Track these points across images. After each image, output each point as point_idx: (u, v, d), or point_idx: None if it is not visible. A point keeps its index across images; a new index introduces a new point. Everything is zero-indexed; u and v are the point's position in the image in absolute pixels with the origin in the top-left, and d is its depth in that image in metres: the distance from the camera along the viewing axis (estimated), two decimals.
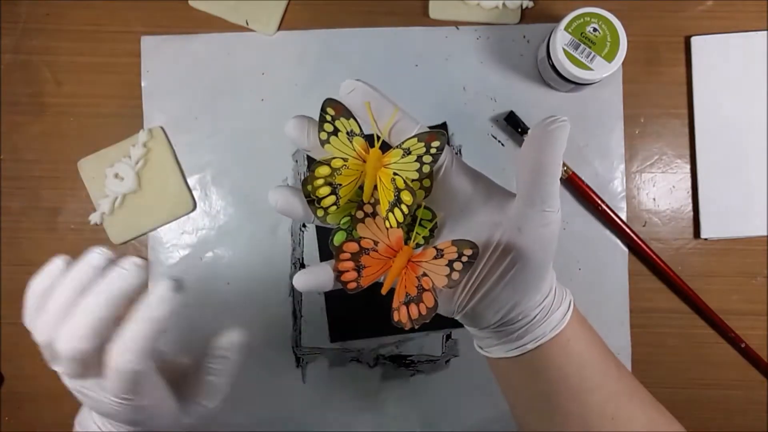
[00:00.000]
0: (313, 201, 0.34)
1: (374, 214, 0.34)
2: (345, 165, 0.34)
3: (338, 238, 0.35)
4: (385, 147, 0.34)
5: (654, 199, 0.54)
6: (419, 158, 0.32)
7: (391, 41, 0.54)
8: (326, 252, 0.54)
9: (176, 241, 0.55)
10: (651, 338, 0.54)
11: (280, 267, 0.54)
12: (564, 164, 0.52)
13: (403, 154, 0.33)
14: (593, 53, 0.47)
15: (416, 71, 0.54)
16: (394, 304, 0.34)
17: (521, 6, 0.54)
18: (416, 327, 0.33)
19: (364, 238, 0.34)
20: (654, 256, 0.53)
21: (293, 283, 0.35)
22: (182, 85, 0.55)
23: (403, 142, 0.33)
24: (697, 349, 0.54)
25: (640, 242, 0.53)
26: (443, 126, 0.54)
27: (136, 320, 0.31)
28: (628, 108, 0.54)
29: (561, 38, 0.48)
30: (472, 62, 0.54)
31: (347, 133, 0.34)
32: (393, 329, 0.54)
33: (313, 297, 0.54)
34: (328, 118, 0.33)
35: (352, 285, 0.34)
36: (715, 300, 0.53)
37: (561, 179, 0.53)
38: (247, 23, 0.54)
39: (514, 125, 0.53)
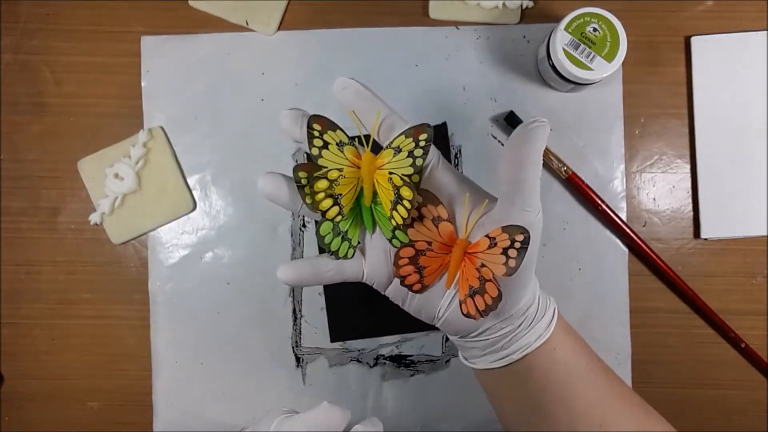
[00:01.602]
0: (302, 186, 0.34)
1: (421, 217, 0.35)
2: (341, 175, 0.34)
3: (324, 229, 0.36)
4: (377, 149, 0.35)
5: (654, 199, 0.54)
6: (410, 153, 0.33)
7: (391, 41, 0.54)
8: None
9: (176, 241, 0.55)
10: (651, 338, 0.54)
11: None
12: (564, 164, 0.52)
13: (394, 153, 0.34)
14: (593, 53, 0.47)
15: (416, 71, 0.54)
16: (460, 297, 0.35)
17: (521, 6, 0.54)
18: (485, 317, 0.34)
19: (418, 240, 0.35)
20: (654, 256, 0.53)
21: (277, 275, 0.36)
22: (182, 85, 0.55)
23: (391, 141, 0.34)
24: (697, 349, 0.54)
25: (640, 242, 0.53)
26: (443, 126, 0.54)
27: None
28: (628, 108, 0.54)
29: (561, 38, 0.48)
30: (472, 62, 0.54)
31: (337, 144, 0.34)
32: (393, 329, 0.55)
33: (313, 297, 0.54)
34: (316, 133, 0.34)
35: (417, 286, 0.36)
36: (715, 300, 0.53)
37: (561, 179, 0.53)
38: (247, 23, 0.54)
39: (514, 125, 0.53)
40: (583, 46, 0.47)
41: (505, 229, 0.33)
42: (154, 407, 0.55)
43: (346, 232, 0.36)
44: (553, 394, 0.36)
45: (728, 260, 0.54)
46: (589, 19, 0.47)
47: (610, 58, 0.47)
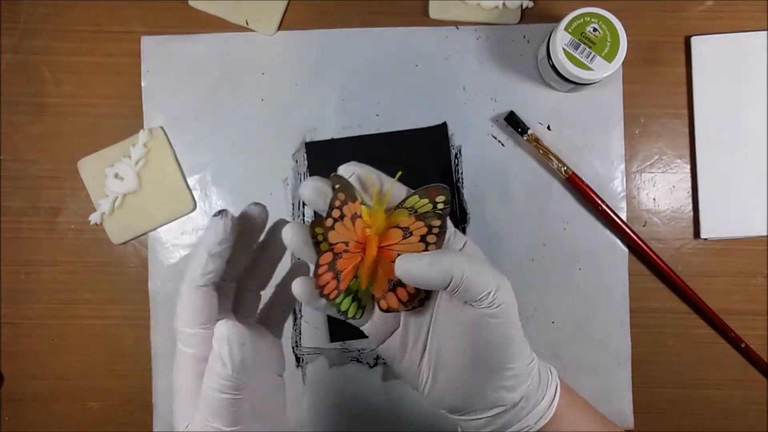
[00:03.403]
0: (318, 243, 0.33)
1: (342, 217, 0.33)
2: (346, 249, 0.33)
3: (345, 305, 0.34)
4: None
5: (654, 199, 0.54)
6: (423, 238, 0.32)
7: (391, 41, 0.54)
8: None
9: (176, 241, 0.55)
10: (651, 338, 0.54)
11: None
12: (564, 164, 0.52)
13: (410, 213, 0.33)
14: (593, 53, 0.47)
15: (416, 71, 0.54)
16: (377, 294, 0.33)
17: (521, 6, 0.54)
18: (409, 309, 0.33)
19: (337, 243, 0.33)
20: (654, 256, 0.53)
21: (293, 289, 0.34)
22: (182, 85, 0.55)
23: (404, 200, 0.33)
24: (697, 349, 0.54)
25: (640, 242, 0.53)
26: (443, 126, 0.54)
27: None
28: (628, 108, 0.54)
29: (561, 38, 0.48)
30: (472, 62, 0.54)
31: (351, 216, 0.33)
32: None
33: None
34: (338, 203, 0.32)
35: (333, 294, 0.33)
36: (715, 300, 0.53)
37: (561, 179, 0.53)
38: (247, 23, 0.54)
39: (514, 125, 0.53)
40: (583, 46, 0.47)
41: (419, 217, 0.32)
42: (154, 407, 0.55)
43: (357, 292, 0.34)
44: None
45: (728, 260, 0.54)
46: (589, 19, 0.47)
47: (610, 58, 0.47)
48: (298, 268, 0.40)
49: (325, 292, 0.33)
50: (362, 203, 0.33)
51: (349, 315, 0.34)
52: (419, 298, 0.33)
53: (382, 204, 0.33)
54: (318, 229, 0.33)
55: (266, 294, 0.40)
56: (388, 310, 0.33)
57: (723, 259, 0.54)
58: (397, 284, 0.33)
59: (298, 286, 0.34)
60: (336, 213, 0.32)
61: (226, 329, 0.32)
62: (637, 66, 0.54)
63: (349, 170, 0.34)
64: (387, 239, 0.33)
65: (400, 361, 0.36)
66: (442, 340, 0.34)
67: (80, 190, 0.55)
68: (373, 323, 0.36)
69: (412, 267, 0.31)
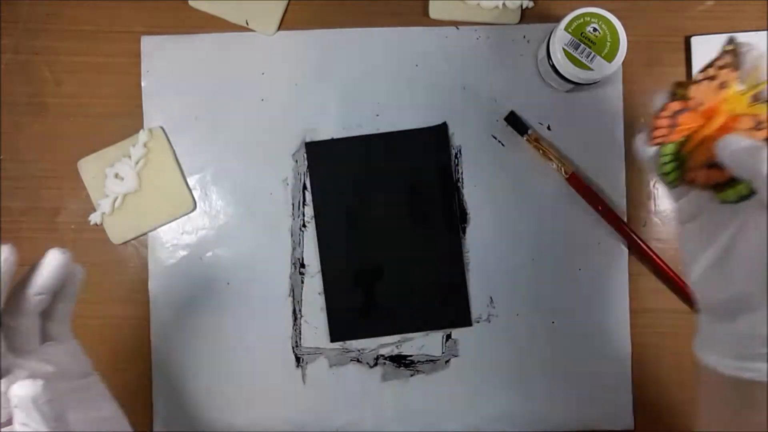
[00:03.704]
0: (675, 93, 0.33)
1: (713, 78, 0.32)
2: (695, 109, 0.33)
3: (668, 149, 0.34)
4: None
5: (654, 199, 0.54)
6: None
7: (391, 41, 0.54)
8: (326, 252, 0.54)
9: (176, 241, 0.55)
10: (651, 338, 0.54)
11: (280, 267, 0.54)
12: (564, 164, 0.52)
13: None
14: (593, 53, 0.47)
15: (416, 71, 0.54)
16: (692, 163, 0.33)
17: (521, 6, 0.54)
18: (708, 191, 0.32)
19: (693, 98, 0.32)
20: (654, 256, 0.53)
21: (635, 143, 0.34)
22: (182, 85, 0.55)
23: None
24: None
25: (640, 242, 0.53)
26: (443, 126, 0.54)
27: None
28: (628, 108, 0.54)
29: (561, 38, 0.48)
30: (472, 62, 0.54)
31: (720, 83, 0.32)
32: (393, 329, 0.54)
33: (314, 297, 0.54)
34: (719, 64, 0.32)
35: (661, 140, 0.33)
36: None
37: (561, 179, 0.53)
38: (247, 23, 0.54)
39: (514, 125, 0.53)
40: (583, 46, 0.47)
41: None
42: (154, 407, 0.55)
43: (682, 162, 0.34)
44: None
45: None
46: (589, 19, 0.47)
47: (610, 58, 0.47)
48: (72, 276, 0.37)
49: (656, 134, 0.33)
50: (738, 78, 0.32)
51: (669, 179, 0.34)
52: (738, 195, 0.31)
53: (751, 90, 0.32)
54: (680, 91, 0.33)
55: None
56: (691, 183, 0.33)
57: None
58: (712, 165, 0.32)
59: (638, 140, 0.34)
60: (711, 72, 0.32)
61: (24, 392, 0.28)
62: (637, 66, 0.54)
63: (746, 45, 0.33)
64: (734, 122, 0.32)
65: (686, 245, 0.35)
66: (737, 251, 0.31)
67: (80, 190, 0.55)
68: (685, 200, 0.35)
69: (736, 144, 0.30)
